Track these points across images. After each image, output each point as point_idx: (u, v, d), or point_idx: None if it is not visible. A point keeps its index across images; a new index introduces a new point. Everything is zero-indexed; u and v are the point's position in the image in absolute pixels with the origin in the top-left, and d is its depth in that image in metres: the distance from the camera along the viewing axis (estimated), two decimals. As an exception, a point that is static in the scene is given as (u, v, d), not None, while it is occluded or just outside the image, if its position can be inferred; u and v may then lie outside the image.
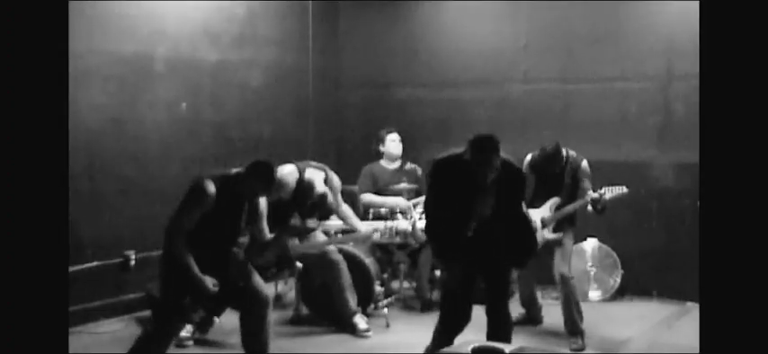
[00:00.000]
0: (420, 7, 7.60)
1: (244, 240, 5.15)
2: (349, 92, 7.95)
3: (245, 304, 4.28)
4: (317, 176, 5.41)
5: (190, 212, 3.92)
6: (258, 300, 4.25)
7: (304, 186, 5.32)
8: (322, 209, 5.37)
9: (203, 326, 5.12)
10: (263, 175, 4.09)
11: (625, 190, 5.19)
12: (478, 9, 7.22)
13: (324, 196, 5.29)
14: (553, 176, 5.28)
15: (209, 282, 3.95)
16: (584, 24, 6.69)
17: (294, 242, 5.34)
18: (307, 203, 5.32)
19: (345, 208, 5.76)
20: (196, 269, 3.90)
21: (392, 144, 6.38)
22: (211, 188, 3.91)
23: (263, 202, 4.33)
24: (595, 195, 5.10)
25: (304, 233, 5.01)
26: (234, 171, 4.14)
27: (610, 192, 5.14)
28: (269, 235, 4.38)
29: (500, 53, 7.06)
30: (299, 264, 5.46)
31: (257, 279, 4.34)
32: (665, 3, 6.33)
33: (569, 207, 5.21)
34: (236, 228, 4.19)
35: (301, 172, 5.37)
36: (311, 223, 5.41)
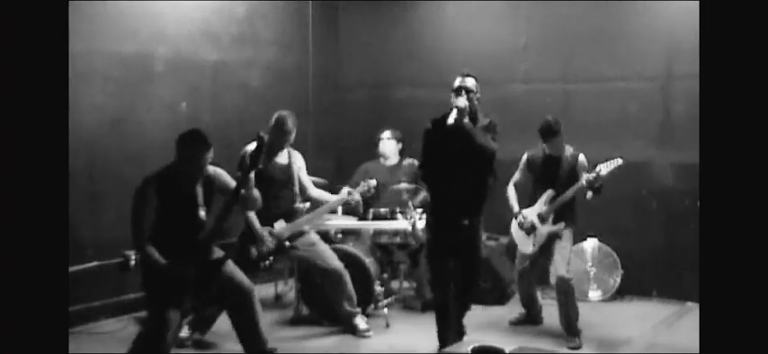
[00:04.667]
0: (420, 7, 7.60)
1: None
2: (349, 92, 7.96)
3: (230, 301, 4.29)
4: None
5: (136, 217, 4.06)
6: (242, 293, 4.25)
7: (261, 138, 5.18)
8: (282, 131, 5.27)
9: (202, 326, 5.12)
10: (188, 140, 4.18)
11: (620, 160, 5.11)
12: (478, 9, 7.22)
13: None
14: (550, 171, 5.28)
15: (181, 268, 4.00)
16: (584, 24, 6.69)
17: (282, 224, 5.28)
18: (275, 165, 5.29)
19: (317, 192, 5.54)
20: (163, 262, 3.99)
21: (381, 142, 6.39)
22: (148, 182, 4.09)
23: (219, 171, 4.34)
24: (591, 176, 5.07)
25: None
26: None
27: (606, 168, 5.08)
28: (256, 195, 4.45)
29: (500, 53, 7.06)
30: (288, 243, 5.35)
31: (239, 274, 4.34)
32: (665, 3, 6.33)
33: (565, 195, 5.20)
34: (194, 213, 4.21)
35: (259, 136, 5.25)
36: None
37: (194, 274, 4.03)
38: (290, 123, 5.35)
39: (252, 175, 4.26)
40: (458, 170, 4.56)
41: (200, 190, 4.25)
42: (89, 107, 5.59)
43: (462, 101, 4.48)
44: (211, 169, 4.33)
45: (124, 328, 5.54)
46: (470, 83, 4.60)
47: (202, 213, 4.26)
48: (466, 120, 4.48)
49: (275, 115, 5.37)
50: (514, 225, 5.49)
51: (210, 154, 4.23)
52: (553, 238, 5.27)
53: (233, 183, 4.33)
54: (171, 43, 6.21)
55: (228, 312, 4.39)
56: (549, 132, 5.20)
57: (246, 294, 4.29)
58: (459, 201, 4.59)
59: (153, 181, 4.13)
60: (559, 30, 6.82)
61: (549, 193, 5.29)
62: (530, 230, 5.34)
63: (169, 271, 3.99)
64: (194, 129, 4.30)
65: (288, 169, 5.38)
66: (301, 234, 5.37)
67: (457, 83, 4.61)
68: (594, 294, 6.42)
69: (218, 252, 4.31)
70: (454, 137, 4.48)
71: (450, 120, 4.43)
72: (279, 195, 5.28)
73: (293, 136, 5.39)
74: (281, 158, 5.38)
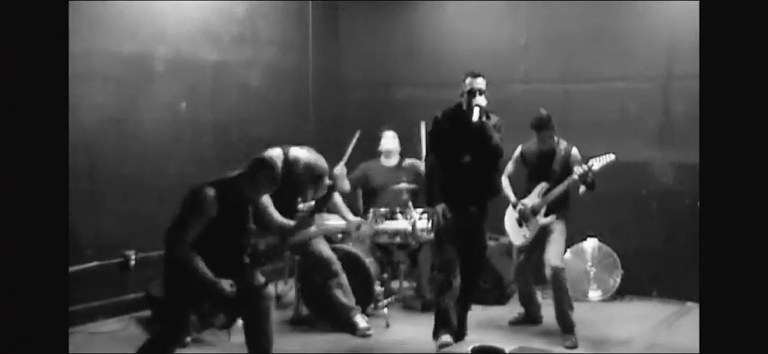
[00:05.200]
0: (420, 7, 7.60)
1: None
2: (349, 92, 7.95)
3: (248, 303, 4.29)
4: (302, 153, 5.36)
5: (193, 222, 3.89)
6: (261, 298, 4.25)
7: (290, 162, 5.24)
8: (317, 184, 5.28)
9: (225, 326, 5.11)
10: (268, 171, 4.12)
11: (612, 156, 5.16)
12: (478, 9, 7.22)
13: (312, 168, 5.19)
14: (544, 164, 5.31)
15: (226, 284, 3.94)
16: (584, 24, 6.69)
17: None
18: (299, 181, 5.27)
19: (335, 197, 5.69)
20: (210, 275, 3.88)
21: (385, 140, 6.39)
22: (212, 194, 3.90)
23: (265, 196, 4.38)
24: (582, 169, 5.11)
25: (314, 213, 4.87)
26: (233, 174, 4.13)
27: (597, 163, 5.13)
28: (281, 220, 4.46)
29: (500, 53, 7.05)
30: (289, 254, 5.36)
31: (260, 279, 4.35)
32: (665, 3, 6.32)
33: (558, 188, 5.23)
34: (246, 230, 4.19)
35: (286, 152, 5.30)
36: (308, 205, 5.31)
37: (236, 294, 4.00)
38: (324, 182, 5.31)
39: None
40: (471, 162, 4.77)
41: (251, 212, 4.23)
42: (89, 107, 5.59)
43: (483, 100, 4.71)
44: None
45: (124, 328, 5.54)
46: (482, 83, 4.76)
47: (250, 237, 4.26)
48: (484, 118, 4.70)
49: (315, 166, 5.28)
50: (507, 216, 5.53)
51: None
52: (544, 231, 5.29)
53: (273, 210, 4.58)
54: (171, 43, 6.20)
55: (244, 313, 4.38)
56: (541, 126, 5.27)
57: (265, 299, 4.29)
58: (469, 191, 4.82)
59: (215, 189, 3.94)
60: (559, 30, 6.82)
61: (542, 186, 5.33)
62: (523, 220, 5.38)
63: (222, 290, 3.91)
64: (270, 160, 4.24)
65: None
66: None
67: (468, 83, 4.75)
68: (594, 294, 6.42)
69: (259, 279, 4.29)
70: (472, 132, 4.69)
71: (475, 118, 4.66)
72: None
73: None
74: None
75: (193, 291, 3.94)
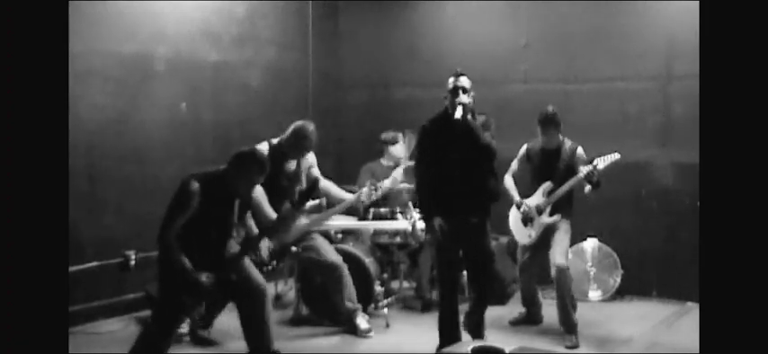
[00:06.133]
0: (420, 7, 7.60)
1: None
2: (349, 92, 7.96)
3: (243, 298, 4.29)
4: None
5: (177, 213, 3.94)
6: (257, 293, 4.25)
7: (275, 144, 5.27)
8: (304, 143, 5.29)
9: (204, 322, 5.12)
10: (254, 164, 4.11)
11: (617, 155, 5.14)
12: (478, 9, 7.22)
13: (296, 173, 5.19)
14: (549, 163, 5.30)
15: (203, 276, 3.95)
16: (585, 24, 6.69)
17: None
18: (287, 149, 5.28)
19: (326, 183, 5.59)
20: (188, 266, 3.91)
21: (396, 147, 6.34)
22: (195, 186, 3.94)
23: (258, 190, 4.35)
24: (588, 169, 5.10)
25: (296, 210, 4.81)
26: (220, 168, 4.14)
27: (603, 162, 5.12)
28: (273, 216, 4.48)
29: (500, 53, 7.06)
30: (294, 248, 5.37)
31: (255, 273, 4.34)
32: (665, 3, 6.33)
33: (563, 188, 5.22)
34: (229, 223, 4.19)
35: (270, 141, 5.31)
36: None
37: (217, 287, 4.01)
38: (312, 138, 5.29)
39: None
40: (462, 167, 4.57)
41: (236, 206, 4.23)
42: (89, 107, 5.59)
43: (466, 98, 4.52)
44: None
45: (124, 328, 5.54)
46: (466, 82, 4.60)
47: (234, 230, 4.26)
48: (469, 117, 4.51)
49: (297, 126, 5.30)
50: (512, 215, 5.51)
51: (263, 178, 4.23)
52: (550, 230, 5.29)
53: (266, 207, 4.64)
54: (171, 43, 6.20)
55: (239, 308, 4.39)
56: (548, 122, 5.23)
57: (260, 294, 4.29)
58: (464, 199, 4.59)
59: (198, 181, 3.99)
60: (559, 30, 6.82)
61: (547, 185, 5.32)
62: (528, 220, 5.36)
63: (198, 282, 3.93)
64: (255, 152, 4.25)
65: (295, 173, 5.37)
66: (306, 234, 5.38)
67: (452, 82, 4.60)
68: (594, 294, 6.42)
69: (248, 272, 4.30)
70: (459, 135, 4.51)
71: (458, 115, 4.44)
72: (283, 201, 5.25)
73: (313, 147, 5.35)
74: (290, 164, 5.37)
75: (176, 283, 3.96)
